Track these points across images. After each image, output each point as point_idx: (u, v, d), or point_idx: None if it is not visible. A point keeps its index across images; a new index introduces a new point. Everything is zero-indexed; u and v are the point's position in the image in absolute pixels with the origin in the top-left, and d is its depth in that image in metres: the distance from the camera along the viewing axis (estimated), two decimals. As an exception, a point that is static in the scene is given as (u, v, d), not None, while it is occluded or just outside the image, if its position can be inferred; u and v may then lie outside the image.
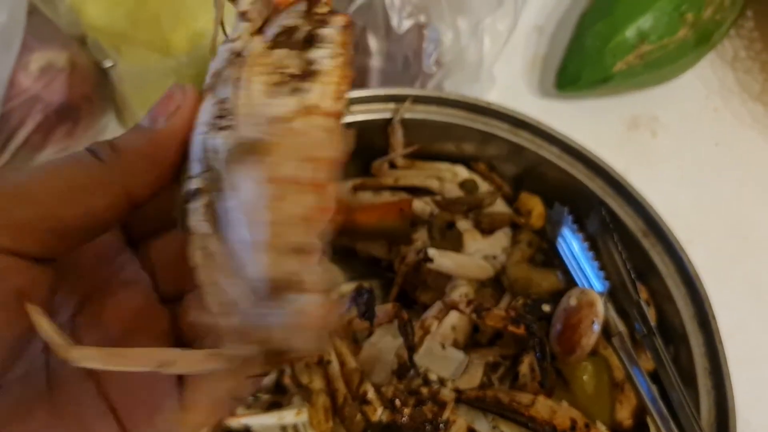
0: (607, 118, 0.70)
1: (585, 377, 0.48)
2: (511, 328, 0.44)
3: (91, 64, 0.61)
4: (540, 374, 0.44)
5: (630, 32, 0.63)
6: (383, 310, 0.45)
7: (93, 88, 0.62)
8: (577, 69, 0.66)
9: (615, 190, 0.55)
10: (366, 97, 0.57)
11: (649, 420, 0.49)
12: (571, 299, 0.49)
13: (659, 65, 0.65)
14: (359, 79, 0.63)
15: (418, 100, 0.56)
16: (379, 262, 0.59)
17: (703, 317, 0.51)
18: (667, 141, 0.70)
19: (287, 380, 0.50)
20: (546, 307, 0.49)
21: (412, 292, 0.56)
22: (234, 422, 0.45)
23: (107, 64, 0.60)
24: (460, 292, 0.50)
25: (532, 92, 0.71)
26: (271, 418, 0.45)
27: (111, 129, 0.66)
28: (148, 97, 0.59)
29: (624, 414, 0.50)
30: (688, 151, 0.69)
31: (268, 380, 0.51)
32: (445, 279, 0.54)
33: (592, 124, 0.69)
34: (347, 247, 0.60)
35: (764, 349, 0.62)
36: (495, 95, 0.68)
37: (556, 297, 0.51)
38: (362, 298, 0.41)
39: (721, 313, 0.53)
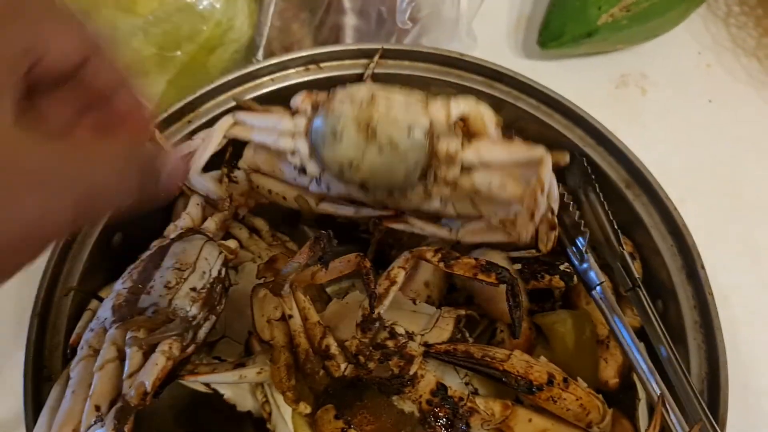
0: (595, 77, 0.68)
1: (564, 331, 0.46)
2: (481, 276, 0.42)
3: (59, 29, 0.60)
4: (512, 322, 0.41)
5: (614, -18, 0.61)
6: (345, 260, 0.43)
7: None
8: (561, 24, 0.63)
9: (596, 139, 0.52)
10: (337, 52, 0.55)
11: (634, 376, 0.47)
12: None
13: (646, 18, 0.62)
14: (333, 39, 0.61)
15: (389, 54, 0.54)
16: (357, 226, 0.57)
17: (691, 268, 0.48)
18: (658, 99, 0.67)
19: (254, 341, 0.48)
20: (517, 266, 0.47)
21: (388, 253, 0.54)
22: (192, 381, 0.43)
23: (74, 27, 0.59)
24: (425, 243, 0.48)
25: (515, 53, 0.69)
26: (232, 377, 0.43)
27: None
28: (114, 59, 0.57)
29: (609, 373, 0.47)
30: (679, 108, 0.67)
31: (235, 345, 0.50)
32: (421, 238, 0.52)
33: (578, 84, 0.67)
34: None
35: (762, 311, 0.59)
36: (477, 55, 0.66)
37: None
38: (320, 243, 0.39)
39: (716, 274, 0.50)
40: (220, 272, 0.43)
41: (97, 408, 0.36)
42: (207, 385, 0.49)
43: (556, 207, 0.46)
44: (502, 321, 0.49)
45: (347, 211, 0.49)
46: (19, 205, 0.23)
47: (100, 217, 0.30)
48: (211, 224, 0.48)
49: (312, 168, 0.47)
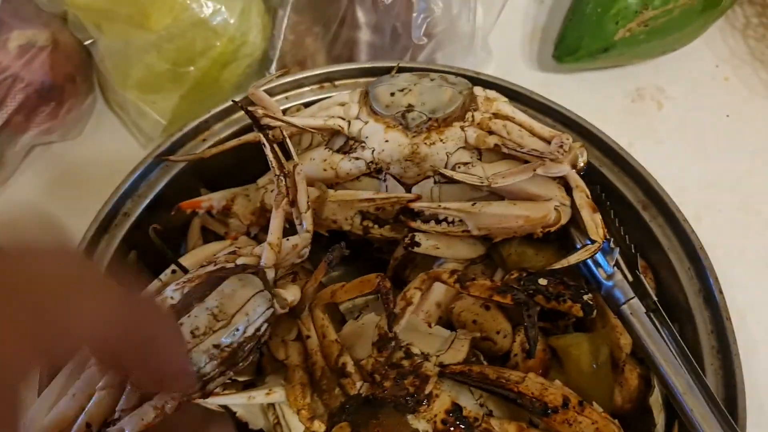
0: (610, 91, 0.67)
1: (579, 354, 0.45)
2: (496, 297, 0.42)
3: (74, 42, 0.60)
4: (527, 343, 0.41)
5: (632, -3, 0.60)
6: (366, 279, 0.43)
7: (76, 67, 0.61)
8: (577, 38, 0.63)
9: (612, 159, 0.52)
10: (351, 70, 0.55)
11: (650, 401, 0.46)
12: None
13: (664, 32, 0.62)
14: (347, 54, 0.61)
15: (403, 71, 0.54)
16: (371, 244, 0.57)
17: (708, 292, 0.48)
18: (674, 113, 0.66)
19: (264, 362, 0.48)
20: (543, 281, 0.46)
21: (401, 272, 0.54)
22: (204, 403, 0.43)
23: (88, 41, 0.59)
24: (447, 268, 0.48)
25: (530, 65, 0.69)
26: (240, 398, 0.43)
27: (97, 110, 0.65)
28: (129, 74, 0.57)
29: (623, 397, 0.47)
30: (696, 123, 0.66)
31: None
32: (433, 259, 0.52)
33: (594, 98, 0.66)
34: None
35: (780, 330, 0.59)
36: (491, 69, 0.66)
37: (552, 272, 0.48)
38: (333, 252, 0.41)
39: (733, 292, 0.50)
40: (257, 330, 0.40)
41: (88, 426, 0.36)
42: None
43: (588, 192, 0.47)
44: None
45: (366, 194, 0.48)
46: None
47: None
48: (269, 260, 0.42)
49: (356, 124, 0.49)
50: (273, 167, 0.44)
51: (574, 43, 0.63)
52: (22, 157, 0.60)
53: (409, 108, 0.47)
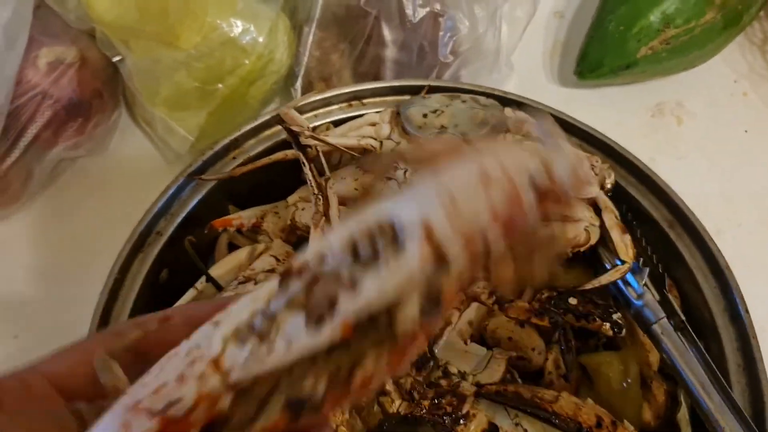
0: (631, 107, 0.68)
1: (609, 373, 0.46)
2: (535, 320, 0.43)
3: (102, 58, 0.61)
4: (564, 367, 0.42)
5: (655, 16, 0.61)
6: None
7: (104, 83, 0.61)
8: (599, 55, 0.63)
9: (638, 179, 0.52)
10: (380, 88, 0.55)
11: (678, 418, 0.47)
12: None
13: (685, 50, 0.62)
14: (373, 71, 0.62)
15: (432, 91, 0.54)
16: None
17: (734, 311, 0.48)
18: (694, 128, 0.67)
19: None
20: (573, 300, 0.47)
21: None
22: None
23: (116, 58, 0.60)
24: (478, 285, 0.48)
25: (552, 81, 0.69)
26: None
27: (122, 125, 0.65)
28: (157, 92, 0.58)
29: (651, 414, 0.48)
30: (716, 138, 0.67)
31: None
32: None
33: (615, 113, 0.67)
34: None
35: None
36: (514, 85, 0.66)
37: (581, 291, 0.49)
38: None
39: (754, 305, 0.50)
40: None
41: None
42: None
43: (617, 213, 0.48)
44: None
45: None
46: None
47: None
48: None
49: (388, 145, 0.50)
50: (312, 186, 0.45)
51: (597, 60, 0.64)
52: (50, 171, 0.61)
53: (442, 130, 0.48)
